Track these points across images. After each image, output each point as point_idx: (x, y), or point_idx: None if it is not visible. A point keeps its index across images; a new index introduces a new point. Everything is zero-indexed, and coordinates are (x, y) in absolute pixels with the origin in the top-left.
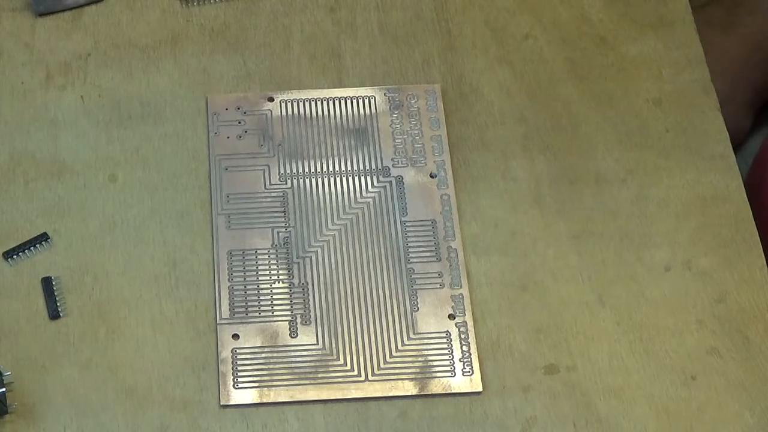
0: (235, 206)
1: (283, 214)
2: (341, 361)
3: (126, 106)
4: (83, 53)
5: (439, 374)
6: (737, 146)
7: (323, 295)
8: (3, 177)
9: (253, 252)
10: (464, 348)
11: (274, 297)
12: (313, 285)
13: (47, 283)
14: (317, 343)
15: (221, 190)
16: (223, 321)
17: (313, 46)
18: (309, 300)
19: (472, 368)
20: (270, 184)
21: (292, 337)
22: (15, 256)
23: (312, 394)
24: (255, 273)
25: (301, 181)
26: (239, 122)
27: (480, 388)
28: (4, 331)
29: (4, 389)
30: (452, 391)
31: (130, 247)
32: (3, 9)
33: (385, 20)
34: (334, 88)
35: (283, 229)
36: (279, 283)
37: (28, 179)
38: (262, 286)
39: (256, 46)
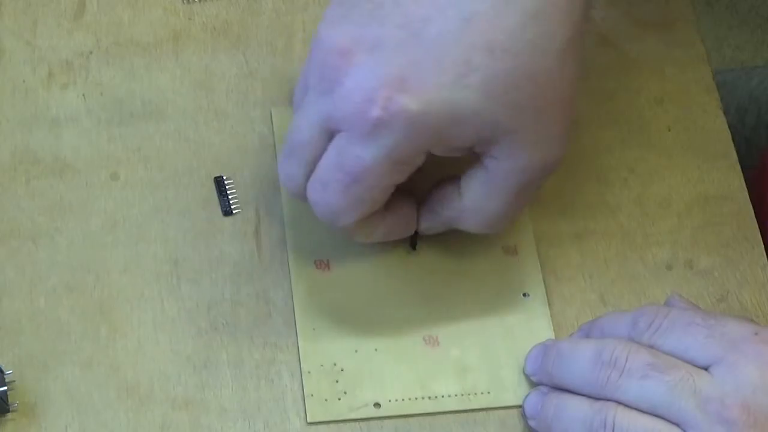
0: None
1: None
2: None
3: (128, 104)
4: (85, 51)
5: None
6: None
7: None
8: (5, 175)
9: None
10: None
11: None
12: None
13: None
14: None
15: None
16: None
17: None
18: None
19: None
20: None
21: None
22: None
23: None
24: None
25: None
26: None
27: None
28: (6, 329)
29: (5, 388)
30: None
31: (131, 246)
32: (4, 7)
33: None
34: None
35: None
36: None
37: (29, 177)
38: None
39: (258, 44)
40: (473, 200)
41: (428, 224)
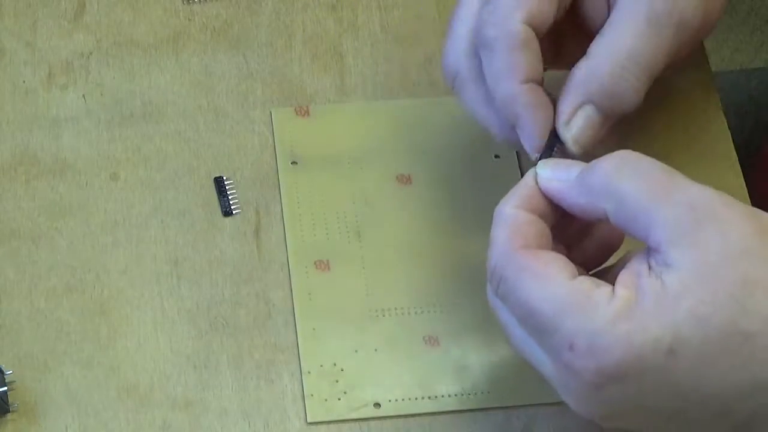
0: None
1: None
2: None
3: (128, 104)
4: (85, 52)
5: None
6: None
7: None
8: (5, 176)
9: None
10: None
11: None
12: None
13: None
14: None
15: None
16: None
17: (314, 45)
18: None
19: None
20: None
21: None
22: None
23: None
24: None
25: None
26: None
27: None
28: (6, 329)
29: (5, 388)
30: None
31: (131, 246)
32: (4, 7)
33: (386, 19)
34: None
35: None
36: None
37: (29, 178)
38: None
39: (257, 45)
40: (599, 43)
41: (570, 103)
